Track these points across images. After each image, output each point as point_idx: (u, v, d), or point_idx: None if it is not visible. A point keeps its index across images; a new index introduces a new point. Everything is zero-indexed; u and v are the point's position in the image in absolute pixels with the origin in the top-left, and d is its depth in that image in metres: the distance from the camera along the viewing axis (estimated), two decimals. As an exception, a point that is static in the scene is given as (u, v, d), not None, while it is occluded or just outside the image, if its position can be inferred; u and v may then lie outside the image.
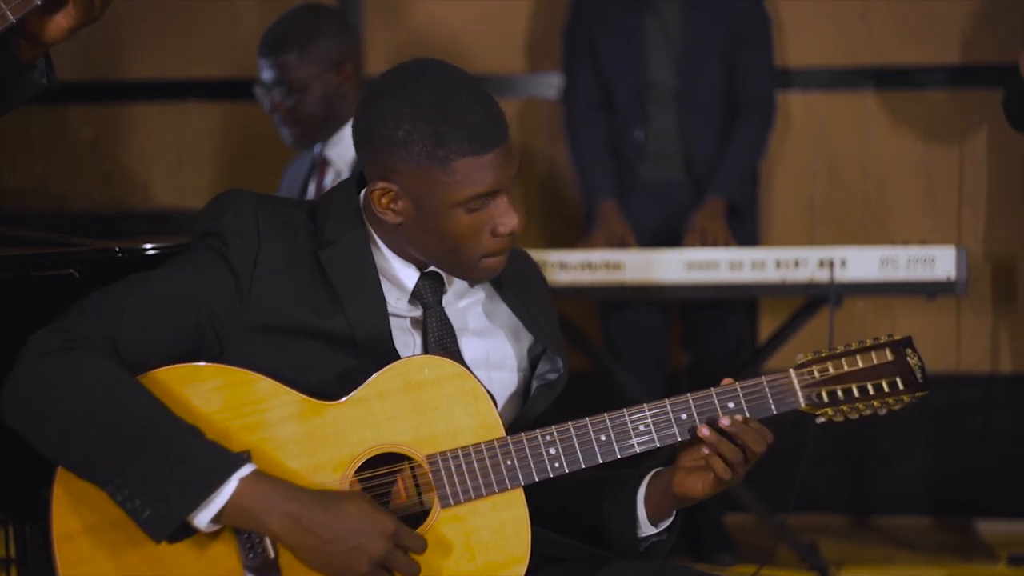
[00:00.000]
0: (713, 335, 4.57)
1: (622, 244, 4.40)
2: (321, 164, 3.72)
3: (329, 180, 3.69)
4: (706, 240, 4.31)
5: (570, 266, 4.08)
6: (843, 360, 2.09)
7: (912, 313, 4.84)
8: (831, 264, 3.96)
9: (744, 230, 4.52)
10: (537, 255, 4.07)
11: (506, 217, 2.10)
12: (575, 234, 4.83)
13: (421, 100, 2.06)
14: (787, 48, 4.93)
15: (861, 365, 2.09)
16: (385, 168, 2.09)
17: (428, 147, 2.05)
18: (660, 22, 4.54)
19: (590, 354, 4.44)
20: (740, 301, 4.50)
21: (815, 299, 4.11)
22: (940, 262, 3.94)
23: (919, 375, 2.11)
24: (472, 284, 2.20)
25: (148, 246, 2.53)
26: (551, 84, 4.94)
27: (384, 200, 2.09)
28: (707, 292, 4.06)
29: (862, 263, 3.97)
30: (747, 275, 4.01)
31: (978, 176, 4.92)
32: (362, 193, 2.17)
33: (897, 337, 2.13)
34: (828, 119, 4.96)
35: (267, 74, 3.69)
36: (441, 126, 2.05)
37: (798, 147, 4.97)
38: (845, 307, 4.21)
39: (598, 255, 4.07)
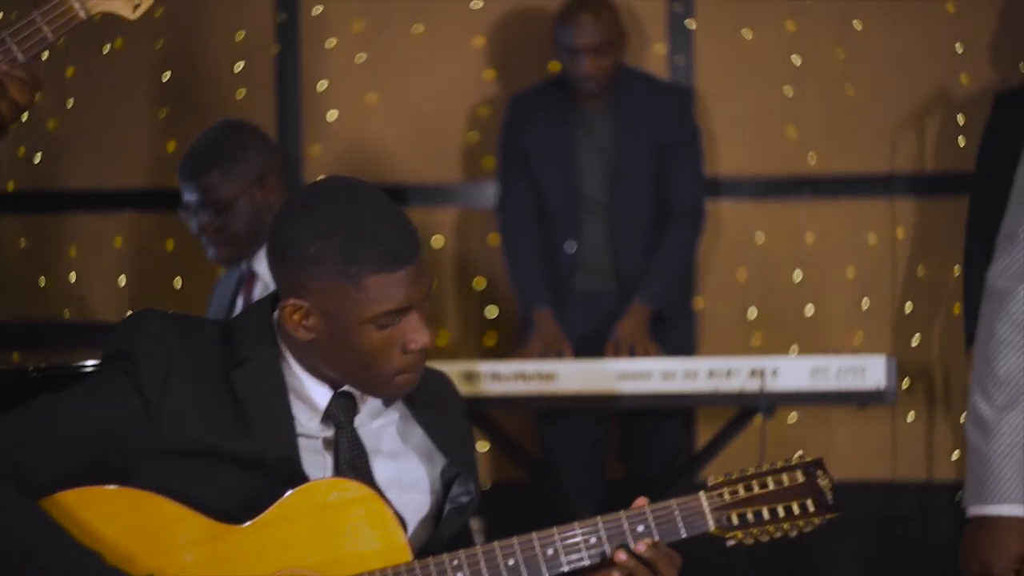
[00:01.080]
0: (649, 444, 4.56)
1: (558, 352, 4.41)
2: (249, 278, 3.71)
3: (257, 293, 3.67)
4: (631, 350, 4.33)
5: (503, 377, 4.08)
6: (754, 482, 2.08)
7: (848, 421, 4.85)
8: (762, 374, 3.98)
9: (676, 339, 4.54)
10: (471, 366, 4.08)
11: (417, 334, 2.09)
12: (513, 343, 4.83)
13: (333, 218, 2.06)
14: (718, 157, 4.98)
15: (772, 487, 2.08)
16: (297, 285, 2.08)
17: (339, 264, 2.05)
18: (591, 134, 4.59)
19: (526, 465, 4.42)
20: (675, 410, 4.50)
21: (748, 408, 4.12)
22: (870, 371, 3.96)
23: (829, 496, 2.11)
24: (385, 401, 2.19)
25: (66, 365, 2.51)
26: (487, 194, 4.97)
27: (296, 317, 2.09)
28: (640, 402, 4.07)
29: (793, 372, 3.99)
30: (680, 385, 4.02)
31: (910, 284, 4.96)
32: (276, 310, 2.17)
33: (808, 459, 2.13)
34: (760, 227, 5.00)
35: (191, 196, 3.67)
36: (352, 243, 2.05)
37: (731, 255, 5.01)
38: (781, 415, 4.22)
39: (531, 366, 4.08)
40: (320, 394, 2.14)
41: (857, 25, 4.93)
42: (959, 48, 4.88)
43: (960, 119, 4.89)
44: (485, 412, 4.23)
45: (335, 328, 2.08)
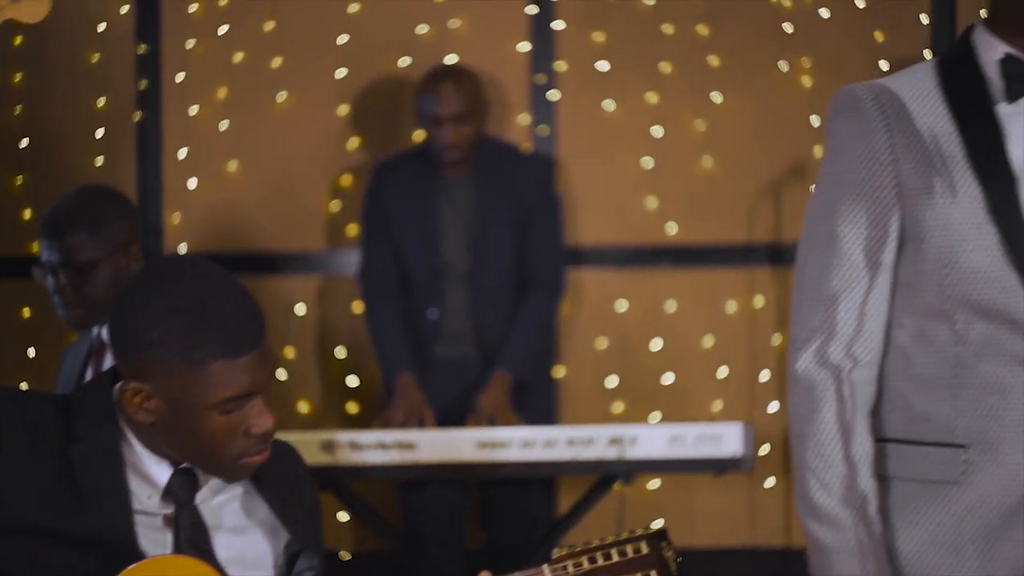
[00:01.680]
0: (510, 513, 4.56)
1: (421, 418, 4.39)
2: (99, 347, 3.64)
3: (107, 363, 3.61)
4: (492, 419, 4.33)
5: (363, 446, 4.06)
6: (598, 554, 2.08)
7: (708, 487, 4.89)
8: (621, 442, 4.00)
9: (538, 407, 4.56)
10: (330, 435, 4.05)
11: (261, 419, 2.08)
12: (376, 411, 4.81)
13: (176, 301, 2.04)
14: (580, 226, 5.03)
15: (616, 559, 2.08)
16: (138, 368, 2.05)
17: (182, 349, 2.02)
18: (453, 203, 4.62)
19: (387, 536, 4.39)
20: (535, 479, 4.51)
21: (608, 476, 4.14)
22: (727, 439, 4.00)
23: (674, 567, 2.11)
24: (229, 483, 2.16)
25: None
26: (350, 261, 4.95)
27: (136, 400, 2.06)
28: (501, 471, 4.07)
29: (652, 440, 4.02)
30: (540, 453, 4.03)
31: (768, 353, 5.03)
32: (116, 387, 2.13)
33: (652, 529, 2.13)
34: (621, 296, 5.05)
35: (53, 255, 3.61)
36: (196, 328, 2.03)
37: (592, 324, 5.05)
38: (641, 482, 4.24)
39: (391, 435, 4.06)
40: (160, 471, 2.11)
41: (716, 98, 5.02)
42: (815, 121, 4.99)
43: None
44: (345, 482, 4.20)
45: (177, 412, 2.05)
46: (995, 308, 2.11)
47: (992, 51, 2.17)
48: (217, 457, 2.07)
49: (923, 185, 2.14)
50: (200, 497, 2.13)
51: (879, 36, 4.95)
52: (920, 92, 2.19)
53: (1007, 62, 2.14)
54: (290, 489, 2.23)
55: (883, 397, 2.23)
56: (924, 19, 4.95)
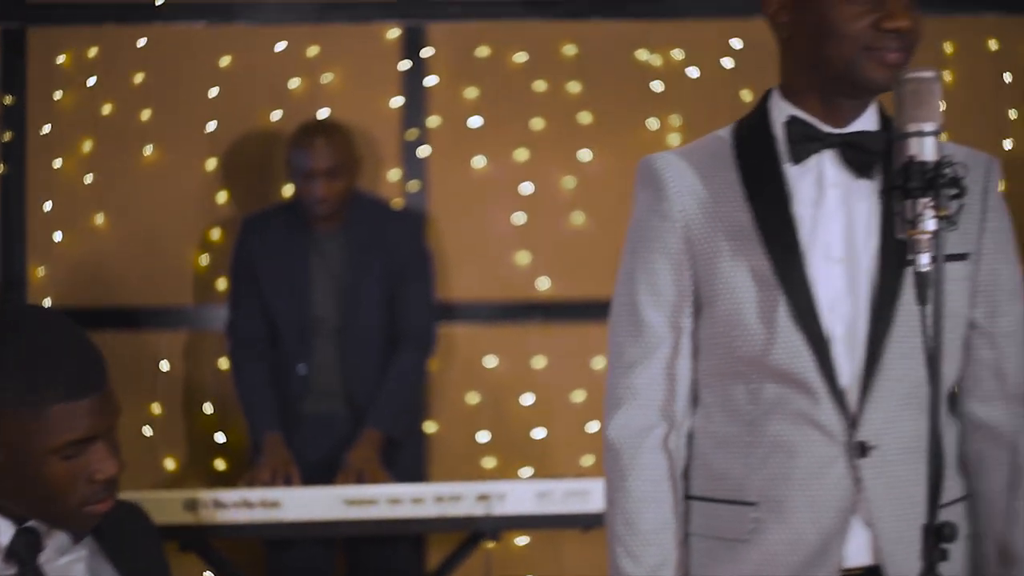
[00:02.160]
0: (378, 570, 4.51)
1: (287, 476, 4.34)
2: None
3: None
4: (361, 477, 4.29)
5: (228, 504, 3.99)
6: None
7: (576, 543, 4.87)
8: (489, 498, 3.98)
9: (407, 463, 4.53)
10: (194, 494, 3.98)
11: (104, 464, 2.04)
12: (244, 468, 4.75)
13: (15, 348, 2.01)
14: (451, 282, 5.02)
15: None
16: (-25, 415, 2.01)
17: (21, 393, 1.99)
18: (323, 257, 4.58)
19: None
20: (404, 536, 4.47)
21: (476, 532, 4.12)
22: (596, 495, 4.00)
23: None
24: (73, 537, 2.11)
25: None
26: (218, 317, 4.89)
27: (-24, 450, 2.01)
28: (368, 528, 4.03)
29: (520, 496, 4.01)
30: (407, 510, 4.00)
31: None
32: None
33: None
34: (492, 352, 5.05)
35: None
36: (34, 372, 2.00)
37: (462, 380, 5.04)
38: (510, 538, 4.22)
39: (256, 493, 4.00)
40: (1, 530, 2.06)
41: (586, 155, 5.06)
42: (683, 178, 5.03)
43: (685, 247, 5.04)
44: (209, 541, 4.13)
45: (16, 458, 2.01)
46: (783, 370, 2.15)
47: (781, 113, 2.22)
48: (59, 505, 2.04)
49: (713, 250, 2.19)
50: (44, 557, 2.08)
51: (746, 95, 5.03)
52: (715, 158, 2.25)
53: (792, 124, 2.19)
54: (137, 549, 2.19)
55: (691, 455, 2.26)
56: (790, 79, 5.03)
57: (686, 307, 2.23)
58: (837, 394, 2.15)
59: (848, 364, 2.16)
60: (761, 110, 2.27)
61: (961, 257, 2.16)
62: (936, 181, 1.93)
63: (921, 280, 1.93)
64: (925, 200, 1.93)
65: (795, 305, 2.15)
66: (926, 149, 1.97)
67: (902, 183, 1.95)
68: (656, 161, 2.27)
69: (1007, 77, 5.06)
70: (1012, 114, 5.04)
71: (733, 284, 2.18)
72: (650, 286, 2.24)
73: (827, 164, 2.19)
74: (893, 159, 2.00)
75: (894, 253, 2.13)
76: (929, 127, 1.98)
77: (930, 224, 1.93)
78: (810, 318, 2.15)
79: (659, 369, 2.24)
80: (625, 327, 2.26)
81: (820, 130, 2.19)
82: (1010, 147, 5.00)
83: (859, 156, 2.17)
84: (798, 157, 2.19)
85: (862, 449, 2.15)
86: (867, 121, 2.22)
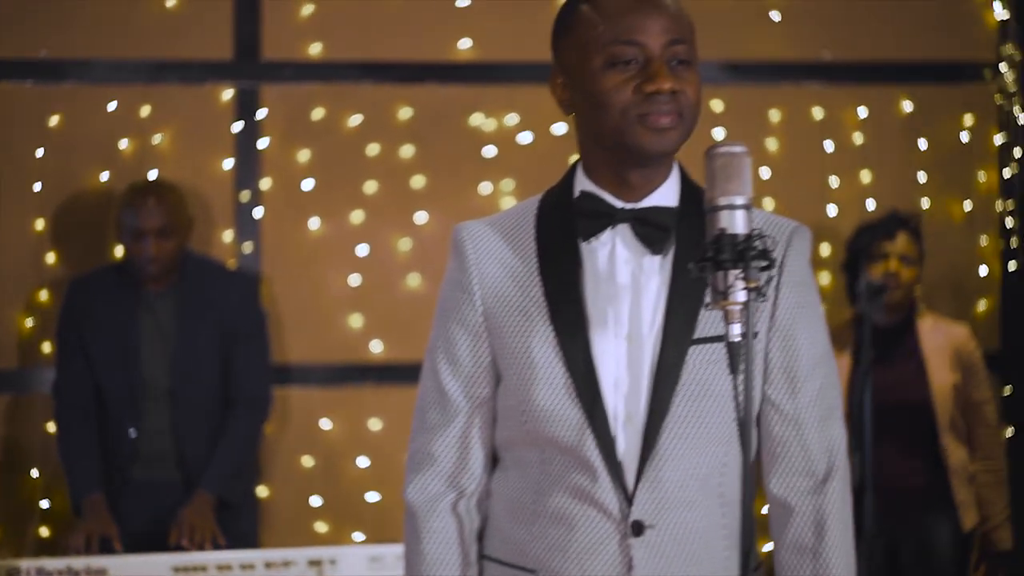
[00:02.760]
0: (209, 638, 4.44)
1: (105, 540, 4.26)
2: None
3: None
4: (193, 536, 4.23)
5: (51, 572, 3.90)
6: None
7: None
8: (320, 564, 3.96)
9: (240, 527, 4.48)
10: (15, 563, 3.88)
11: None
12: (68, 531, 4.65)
13: None
14: (286, 344, 5.00)
15: None
16: None
17: None
18: (155, 319, 4.53)
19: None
20: (235, 602, 4.42)
21: (308, 598, 4.08)
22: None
23: None
24: None
25: None
26: (44, 380, 4.80)
27: None
28: (197, 595, 3.97)
29: (352, 561, 3.98)
30: (238, 576, 3.95)
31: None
32: None
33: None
34: (327, 415, 5.03)
35: None
36: None
37: (297, 443, 5.01)
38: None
39: (81, 561, 3.91)
40: None
41: (420, 218, 5.08)
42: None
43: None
44: (32, 611, 4.03)
45: None
46: (565, 445, 2.17)
47: (578, 187, 2.25)
48: None
49: (506, 323, 2.21)
50: None
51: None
52: (518, 229, 2.26)
53: (584, 199, 2.22)
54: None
55: (488, 516, 2.30)
56: (620, 144, 5.13)
57: (483, 378, 2.25)
58: (615, 472, 2.16)
59: (627, 443, 2.16)
60: (566, 182, 2.28)
61: (721, 339, 2.15)
62: (746, 253, 1.96)
63: (733, 350, 1.96)
64: (736, 272, 1.96)
65: (578, 382, 2.16)
66: (737, 222, 1.99)
67: (713, 255, 1.97)
68: (462, 231, 2.28)
69: (829, 145, 5.21)
70: (834, 181, 5.19)
71: (522, 358, 2.19)
72: (450, 356, 2.26)
73: (619, 239, 2.20)
74: (705, 231, 2.01)
75: (679, 332, 2.15)
76: (740, 200, 1.99)
77: (740, 295, 1.96)
78: (592, 395, 2.15)
79: (454, 438, 2.26)
80: (428, 393, 2.29)
81: (612, 205, 2.20)
82: (834, 213, 5.15)
83: (651, 232, 2.18)
84: (589, 233, 2.19)
85: (637, 528, 2.16)
86: (663, 195, 2.21)
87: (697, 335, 2.17)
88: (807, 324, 2.25)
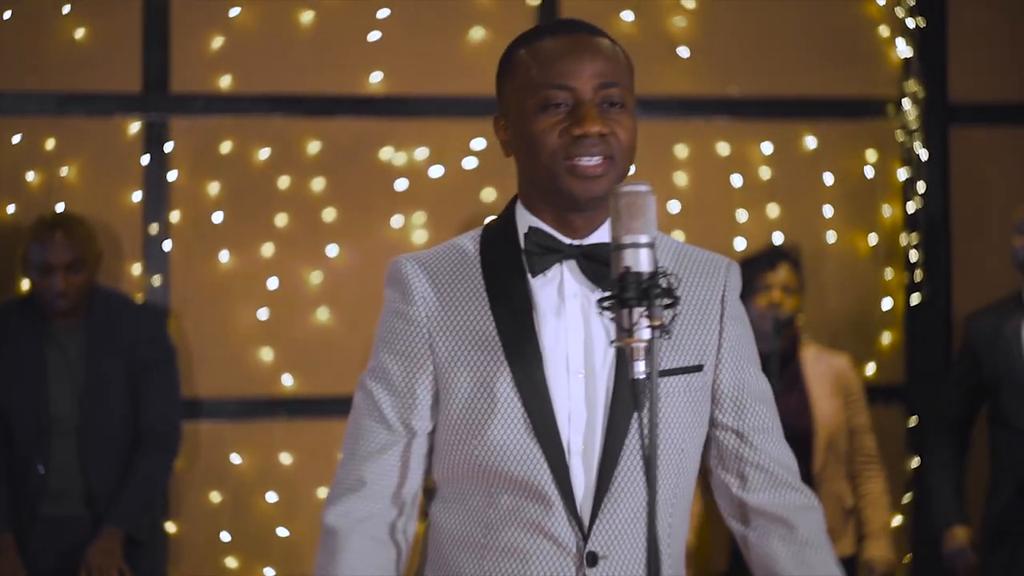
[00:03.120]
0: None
1: (15, 579, 4.23)
2: None
3: None
4: (101, 572, 4.19)
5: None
6: None
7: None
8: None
9: (149, 563, 4.45)
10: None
11: None
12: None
13: None
14: (195, 378, 4.97)
15: None
16: None
17: None
18: (62, 353, 4.48)
19: None
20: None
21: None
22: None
23: None
24: None
25: None
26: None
27: None
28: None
29: (261, 597, 3.97)
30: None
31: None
32: None
33: None
34: (236, 449, 5.00)
35: None
36: None
37: (206, 478, 4.97)
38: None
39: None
40: None
41: (332, 251, 5.08)
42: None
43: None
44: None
45: None
46: (519, 480, 2.18)
47: (523, 223, 2.27)
48: None
49: (455, 358, 2.22)
50: None
51: (489, 194, 5.13)
52: (462, 264, 2.27)
53: (531, 235, 2.24)
54: None
55: (427, 547, 2.30)
56: (531, 178, 5.16)
57: (422, 409, 2.24)
58: (571, 505, 2.18)
59: (583, 476, 2.19)
60: (508, 217, 2.30)
61: (696, 369, 2.23)
62: (650, 291, 1.98)
63: (637, 387, 1.98)
64: (640, 310, 1.98)
65: (534, 416, 2.17)
66: (641, 260, 2.00)
67: (618, 293, 1.99)
68: (404, 264, 2.28)
69: (737, 179, 5.28)
70: (742, 215, 5.25)
71: (473, 392, 2.19)
72: (388, 386, 2.25)
73: (568, 275, 2.22)
74: (611, 269, 2.03)
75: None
76: (644, 239, 2.01)
77: (645, 333, 1.98)
78: (548, 430, 2.17)
79: (388, 466, 2.24)
80: (363, 421, 2.27)
81: (560, 241, 2.23)
82: (742, 247, 5.21)
83: (597, 268, 2.20)
84: (538, 268, 2.22)
85: (591, 559, 2.18)
86: (607, 231, 2.23)
87: (662, 367, 2.19)
88: (751, 355, 2.34)
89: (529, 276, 2.23)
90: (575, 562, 2.18)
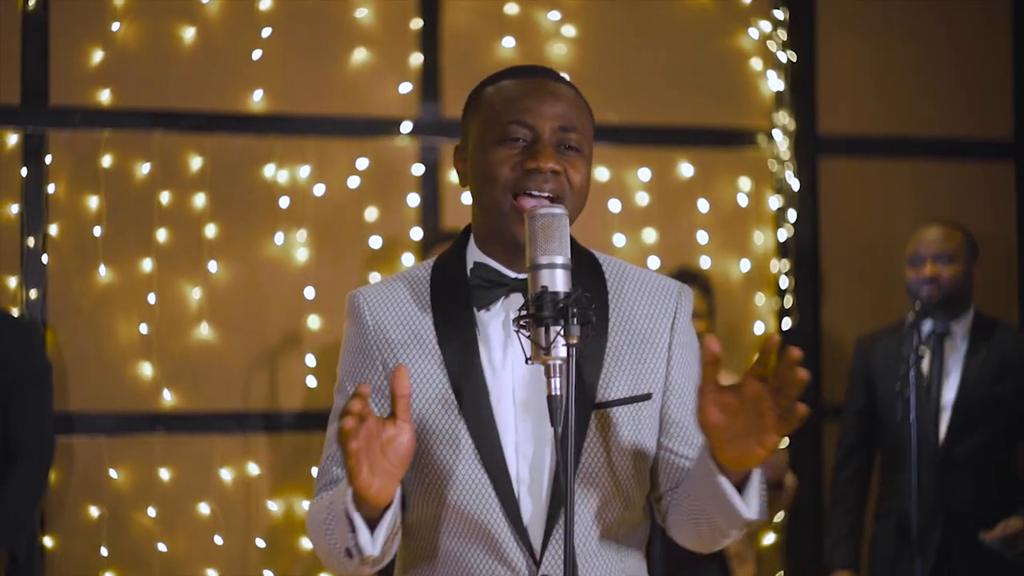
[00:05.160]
0: None
1: None
2: None
3: None
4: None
5: None
6: None
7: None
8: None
9: (24, 580, 4.39)
10: None
11: None
12: None
13: None
14: (71, 393, 4.92)
15: None
16: None
17: None
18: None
19: None
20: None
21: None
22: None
23: None
24: None
25: None
26: None
27: None
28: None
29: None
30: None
31: (264, 519, 5.06)
32: None
33: None
34: (114, 465, 4.96)
35: None
36: None
37: (83, 493, 4.92)
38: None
39: None
40: None
41: (212, 267, 5.07)
42: (308, 293, 5.12)
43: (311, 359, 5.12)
44: None
45: None
46: (470, 510, 2.21)
47: (471, 257, 2.31)
48: None
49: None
50: None
51: (371, 213, 5.17)
52: (413, 294, 2.31)
53: (477, 270, 2.28)
54: None
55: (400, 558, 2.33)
56: (412, 200, 5.21)
57: None
58: (520, 532, 2.21)
59: (531, 505, 2.22)
60: (459, 249, 2.34)
61: (645, 397, 2.27)
62: (566, 311, 2.04)
63: (552, 404, 2.03)
64: (556, 328, 2.04)
65: (482, 450, 2.20)
66: (557, 280, 2.06)
67: (535, 312, 2.05)
68: (359, 298, 2.32)
69: (615, 204, 5.38)
70: (619, 239, 5.35)
71: (423, 424, 2.22)
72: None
73: (513, 307, 2.25)
74: (528, 290, 2.08)
75: (580, 397, 2.20)
76: (559, 259, 2.07)
77: (561, 351, 2.04)
78: (496, 462, 2.20)
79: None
80: (328, 452, 2.30)
81: (504, 275, 2.26)
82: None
83: None
84: (483, 302, 2.25)
85: None
86: None
87: (599, 399, 2.24)
88: (697, 378, 2.35)
89: (476, 309, 2.27)
90: None
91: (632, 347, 2.30)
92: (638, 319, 2.33)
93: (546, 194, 2.22)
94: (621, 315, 2.31)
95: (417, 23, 5.28)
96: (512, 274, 2.28)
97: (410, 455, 2.06)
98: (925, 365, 4.52)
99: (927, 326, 4.56)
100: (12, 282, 4.94)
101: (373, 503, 2.06)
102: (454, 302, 2.28)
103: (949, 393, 4.53)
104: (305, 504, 4.87)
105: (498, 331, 2.26)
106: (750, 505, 2.15)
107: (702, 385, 2.06)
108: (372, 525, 2.09)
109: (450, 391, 2.23)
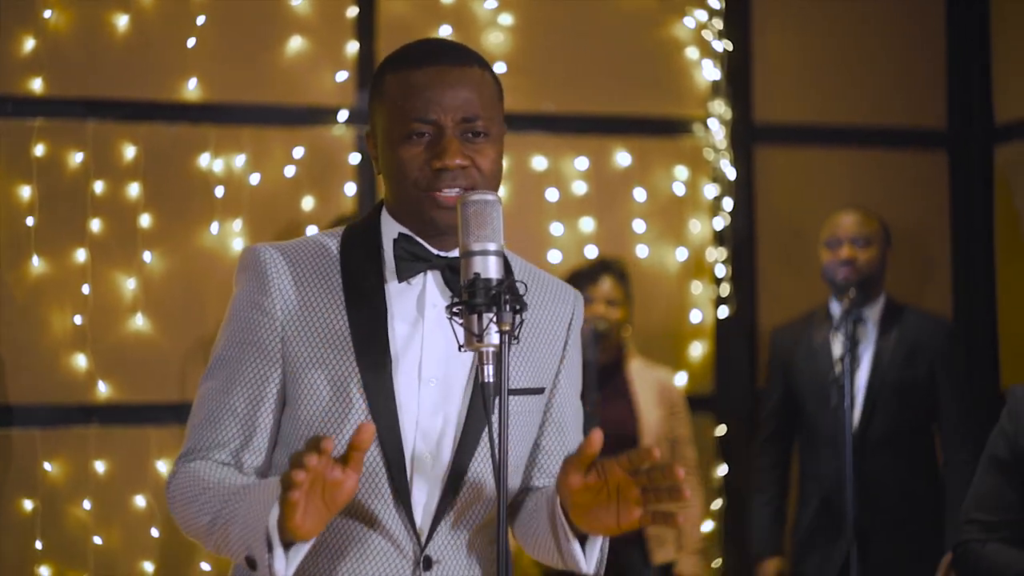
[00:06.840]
0: None
1: None
2: None
3: None
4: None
5: None
6: None
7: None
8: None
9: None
10: None
11: None
12: None
13: None
14: (6, 386, 4.87)
15: None
16: None
17: None
18: None
19: None
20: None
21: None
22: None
23: None
24: None
25: None
26: None
27: None
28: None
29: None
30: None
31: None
32: None
33: None
34: (48, 458, 4.92)
35: None
36: None
37: (18, 486, 4.88)
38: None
39: None
40: None
41: (147, 257, 5.02)
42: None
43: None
44: None
45: None
46: (360, 482, 2.18)
47: (391, 230, 2.29)
48: None
49: (305, 355, 2.23)
50: None
51: (308, 203, 5.15)
52: (319, 262, 2.28)
53: (400, 242, 2.26)
54: None
55: None
56: (349, 189, 5.19)
57: (268, 403, 2.24)
58: (408, 510, 2.21)
59: (426, 484, 2.22)
60: (373, 222, 2.31)
61: (539, 391, 2.30)
62: (499, 298, 2.04)
63: (485, 391, 2.03)
64: (489, 315, 2.04)
65: (379, 420, 2.19)
66: (490, 267, 2.07)
67: (468, 299, 2.05)
68: (263, 254, 2.27)
69: (552, 193, 5.39)
70: (556, 228, 5.36)
71: (318, 391, 2.20)
72: (239, 376, 2.23)
73: (430, 284, 2.26)
74: (460, 276, 2.09)
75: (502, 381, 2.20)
76: (492, 246, 2.08)
77: (494, 338, 2.04)
78: (392, 435, 2.19)
79: (229, 455, 2.23)
80: (208, 413, 2.24)
81: (428, 251, 2.25)
82: (557, 260, 5.32)
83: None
84: (403, 275, 2.24)
85: (427, 563, 2.23)
86: None
87: (512, 386, 2.24)
88: (579, 384, 2.44)
89: (387, 282, 2.26)
90: (411, 565, 2.22)
91: (533, 342, 2.33)
92: (541, 317, 2.36)
93: (456, 190, 2.21)
94: (528, 311, 2.30)
95: (353, 11, 5.26)
96: (435, 251, 2.27)
97: (347, 502, 2.04)
98: (837, 350, 4.55)
99: (836, 309, 4.60)
100: (-58, 274, 4.89)
101: (297, 538, 2.04)
102: (366, 272, 2.27)
103: (862, 378, 4.58)
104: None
105: (409, 305, 2.26)
106: (590, 561, 2.20)
107: (571, 462, 2.08)
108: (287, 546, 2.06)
109: (353, 362, 2.21)
